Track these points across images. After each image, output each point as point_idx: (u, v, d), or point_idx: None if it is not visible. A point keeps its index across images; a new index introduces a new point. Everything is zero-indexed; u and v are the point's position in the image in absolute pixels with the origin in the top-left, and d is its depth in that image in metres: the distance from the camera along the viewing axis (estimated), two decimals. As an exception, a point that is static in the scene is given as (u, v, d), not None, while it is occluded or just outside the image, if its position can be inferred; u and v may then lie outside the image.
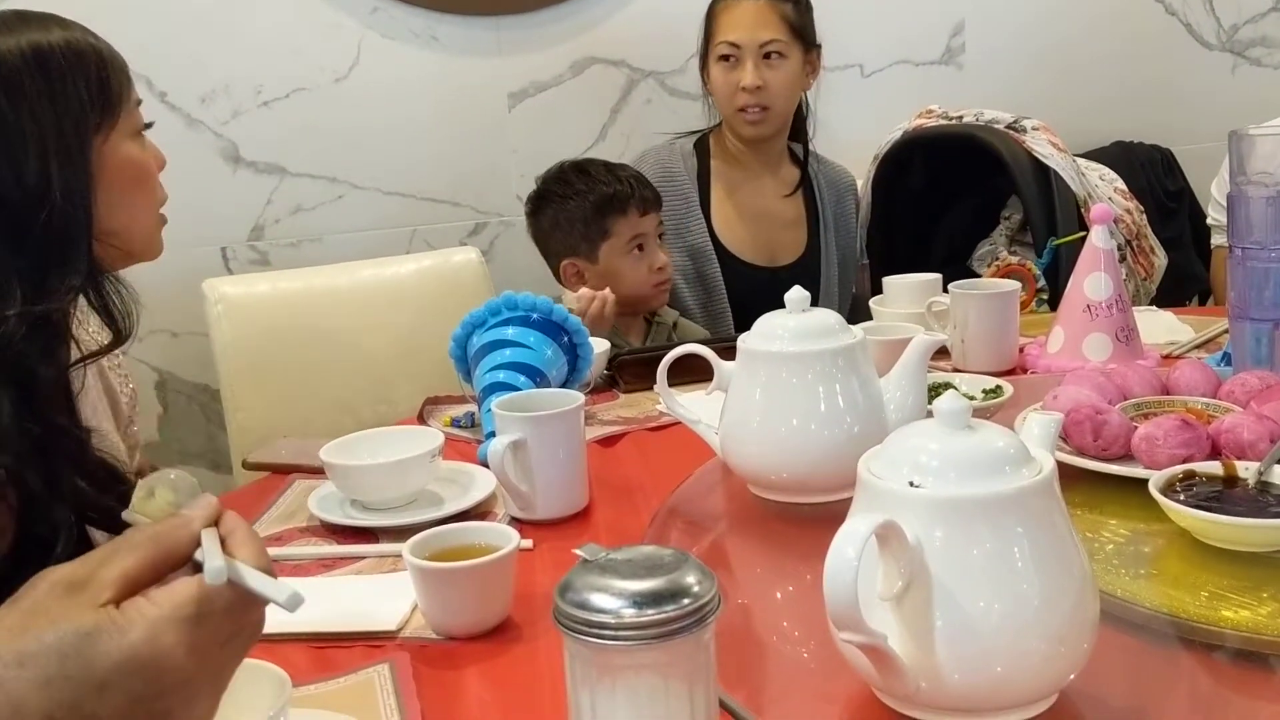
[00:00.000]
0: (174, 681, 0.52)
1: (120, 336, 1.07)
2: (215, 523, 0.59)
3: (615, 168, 1.91)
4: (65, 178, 1.01)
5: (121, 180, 1.08)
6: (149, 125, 1.14)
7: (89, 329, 1.26)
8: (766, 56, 2.00)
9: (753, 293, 1.97)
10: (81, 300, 1.24)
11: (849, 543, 0.64)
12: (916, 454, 0.70)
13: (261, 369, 1.90)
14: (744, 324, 1.13)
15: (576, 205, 1.86)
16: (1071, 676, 0.72)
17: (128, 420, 1.27)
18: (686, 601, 0.62)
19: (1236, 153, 1.27)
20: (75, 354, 1.13)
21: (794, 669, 0.87)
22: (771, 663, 0.88)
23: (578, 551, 0.66)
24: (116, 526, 0.93)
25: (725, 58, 2.02)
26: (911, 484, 0.69)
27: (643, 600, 0.61)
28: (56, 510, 0.97)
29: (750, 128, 2.05)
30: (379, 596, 0.97)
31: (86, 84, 1.04)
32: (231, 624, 0.55)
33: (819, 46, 2.08)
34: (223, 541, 0.58)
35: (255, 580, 0.56)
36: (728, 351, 1.14)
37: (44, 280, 0.99)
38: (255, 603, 0.56)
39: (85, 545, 0.97)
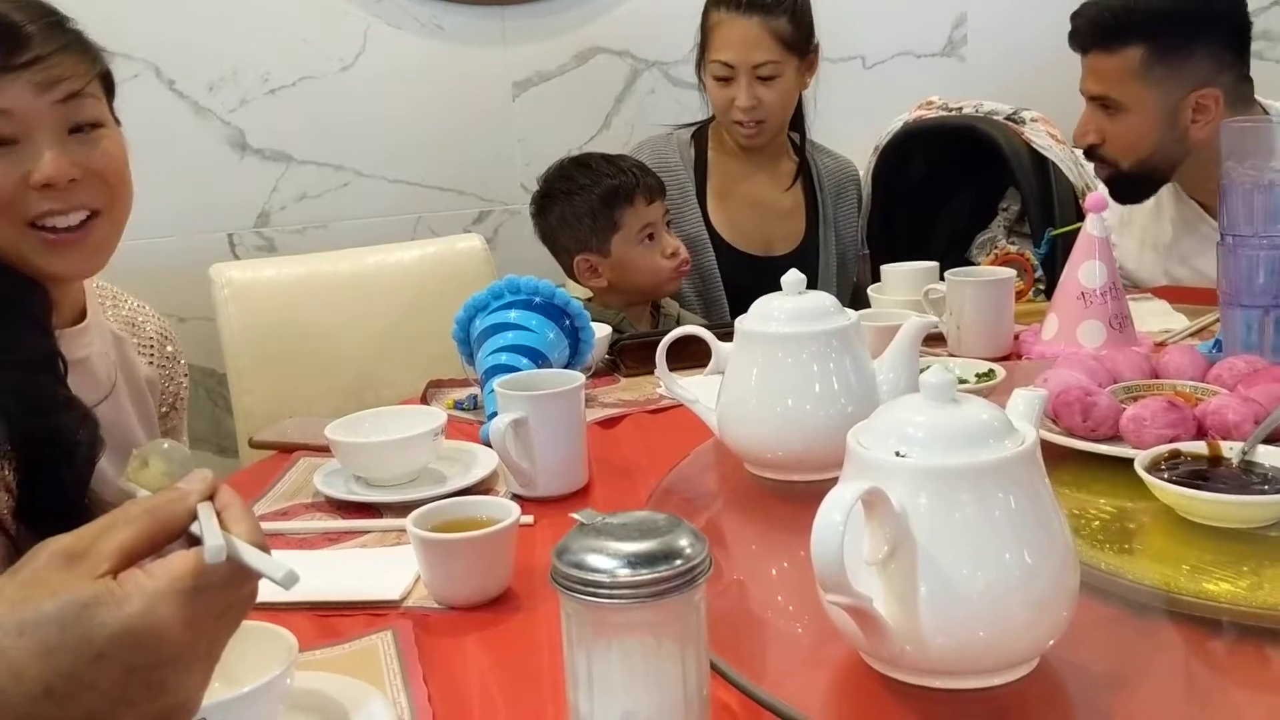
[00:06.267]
0: (170, 653, 0.53)
1: None
2: (210, 497, 0.60)
3: (615, 159, 1.91)
4: None
5: None
6: (118, 124, 1.10)
7: (120, 311, 1.28)
8: (760, 76, 2.01)
9: (749, 282, 1.97)
10: (105, 282, 1.27)
11: (835, 508, 0.66)
12: (903, 425, 0.73)
13: (267, 353, 1.93)
14: (740, 313, 1.15)
15: (583, 200, 1.85)
16: (1051, 642, 0.74)
17: (160, 415, 1.30)
18: (679, 562, 0.64)
19: (1228, 142, 1.29)
20: (91, 335, 1.16)
21: (786, 641, 0.90)
22: (764, 635, 0.90)
23: (575, 516, 0.68)
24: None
25: (720, 76, 2.03)
26: (898, 454, 0.71)
27: (636, 560, 0.63)
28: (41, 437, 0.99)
29: (747, 141, 2.08)
30: (382, 568, 1.00)
31: None
32: (226, 597, 0.57)
33: (817, 44, 2.09)
34: (218, 516, 0.59)
35: (253, 557, 0.57)
36: (726, 337, 1.16)
37: None
38: (249, 577, 0.58)
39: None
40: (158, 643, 0.53)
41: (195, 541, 0.58)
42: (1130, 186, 1.88)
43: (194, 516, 0.58)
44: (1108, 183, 1.89)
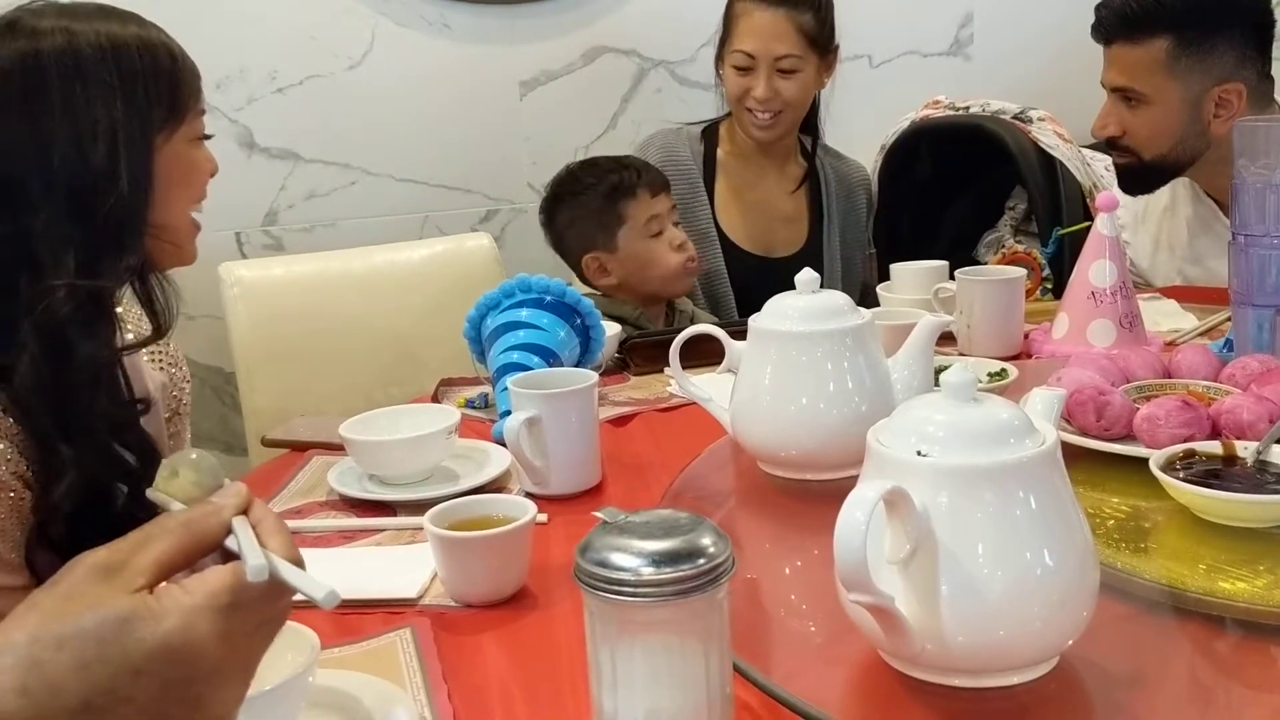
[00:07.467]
0: (206, 668, 0.54)
1: (159, 330, 1.12)
2: (244, 510, 0.60)
3: (620, 158, 1.91)
4: (131, 168, 1.06)
5: (172, 180, 1.12)
6: (209, 136, 1.19)
7: (127, 320, 1.30)
8: (781, 70, 2.00)
9: (752, 282, 1.98)
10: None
11: (858, 507, 0.66)
12: (924, 424, 0.73)
13: (276, 351, 1.93)
14: (744, 312, 1.16)
15: (589, 198, 1.85)
16: (1071, 642, 0.74)
17: (164, 419, 1.31)
18: (702, 561, 0.64)
19: (1240, 141, 1.29)
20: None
21: (802, 639, 0.90)
22: (780, 633, 0.90)
23: (597, 514, 0.68)
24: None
25: (740, 66, 2.02)
26: (919, 453, 0.71)
27: (660, 559, 0.64)
28: (103, 476, 1.01)
29: (760, 131, 2.07)
30: (399, 566, 1.00)
31: (157, 83, 1.09)
32: (261, 613, 0.57)
33: (837, 46, 2.08)
34: (252, 530, 0.59)
35: (293, 576, 0.57)
36: (738, 335, 1.16)
37: (98, 261, 1.04)
38: (284, 592, 0.58)
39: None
40: (194, 658, 0.53)
41: (229, 556, 0.58)
42: (1144, 178, 1.88)
43: (229, 531, 0.59)
44: (1122, 172, 1.89)
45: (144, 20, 1.12)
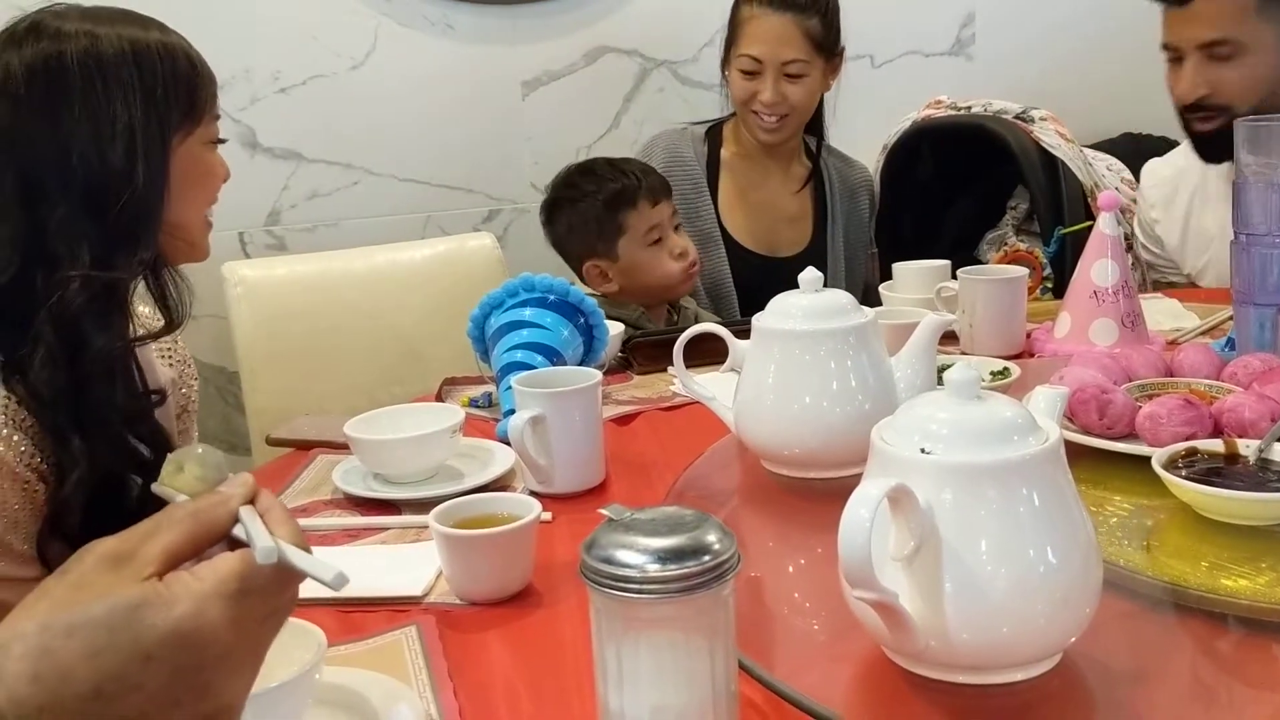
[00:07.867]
0: (216, 655, 0.54)
1: (172, 323, 1.14)
2: (251, 501, 0.61)
3: (619, 163, 1.91)
4: (148, 166, 1.08)
5: (188, 181, 1.15)
6: (223, 141, 1.22)
7: (138, 319, 1.31)
8: (788, 75, 2.00)
9: (756, 282, 1.99)
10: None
11: (863, 504, 0.67)
12: (927, 422, 0.73)
13: (279, 351, 1.93)
14: (748, 312, 1.16)
15: (588, 206, 1.85)
16: (1074, 639, 0.75)
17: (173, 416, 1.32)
18: (707, 558, 0.64)
19: (1242, 141, 1.29)
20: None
21: (806, 636, 0.90)
22: (784, 631, 0.91)
23: (603, 511, 0.69)
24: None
25: (746, 70, 2.02)
26: (923, 450, 0.72)
27: (666, 556, 0.64)
28: (117, 468, 1.02)
29: (766, 135, 2.07)
30: (404, 564, 1.00)
31: (176, 86, 1.12)
32: (271, 601, 0.57)
33: (843, 49, 2.09)
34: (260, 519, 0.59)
35: (302, 560, 0.57)
36: (741, 334, 1.17)
37: (112, 255, 1.06)
38: (293, 580, 0.58)
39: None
40: (205, 644, 0.53)
41: (236, 545, 0.58)
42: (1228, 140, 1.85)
43: (236, 520, 0.59)
44: (1206, 139, 1.83)
45: (165, 26, 1.15)
